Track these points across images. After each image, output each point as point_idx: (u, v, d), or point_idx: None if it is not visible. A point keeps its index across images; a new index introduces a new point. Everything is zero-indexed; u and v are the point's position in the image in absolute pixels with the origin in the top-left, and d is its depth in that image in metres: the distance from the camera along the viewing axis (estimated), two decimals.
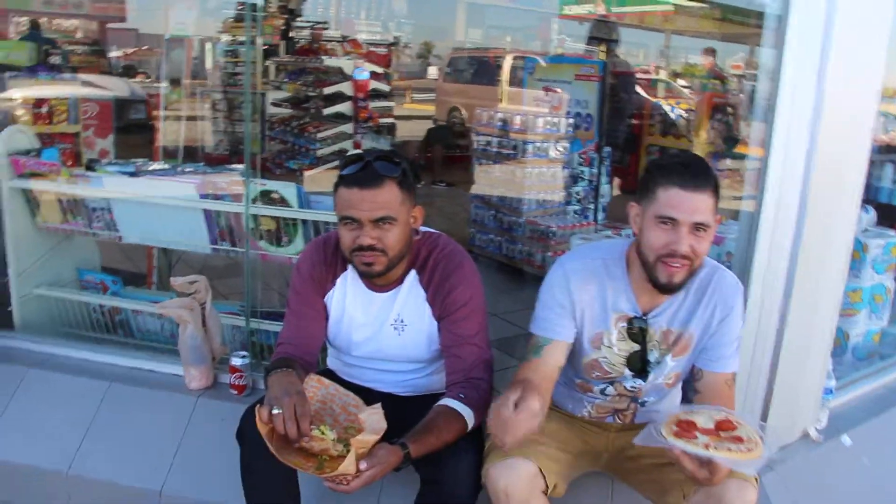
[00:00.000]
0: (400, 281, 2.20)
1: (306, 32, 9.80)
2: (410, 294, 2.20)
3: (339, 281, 2.24)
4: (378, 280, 2.18)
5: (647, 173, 1.95)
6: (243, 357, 2.80)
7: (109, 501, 2.71)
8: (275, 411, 1.85)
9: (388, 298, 2.21)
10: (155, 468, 2.69)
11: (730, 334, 2.07)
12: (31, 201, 3.29)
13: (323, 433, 1.87)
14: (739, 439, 1.77)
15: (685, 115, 8.47)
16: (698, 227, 1.88)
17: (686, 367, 2.15)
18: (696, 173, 1.86)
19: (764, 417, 2.63)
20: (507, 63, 10.64)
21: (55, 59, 7.17)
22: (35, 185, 3.21)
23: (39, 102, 6.36)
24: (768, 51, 2.47)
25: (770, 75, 2.46)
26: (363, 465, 1.79)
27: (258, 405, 1.90)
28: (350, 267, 2.19)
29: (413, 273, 2.20)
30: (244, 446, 2.11)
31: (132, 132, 7.80)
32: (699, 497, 1.90)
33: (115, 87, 9.34)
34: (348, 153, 2.21)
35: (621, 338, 2.10)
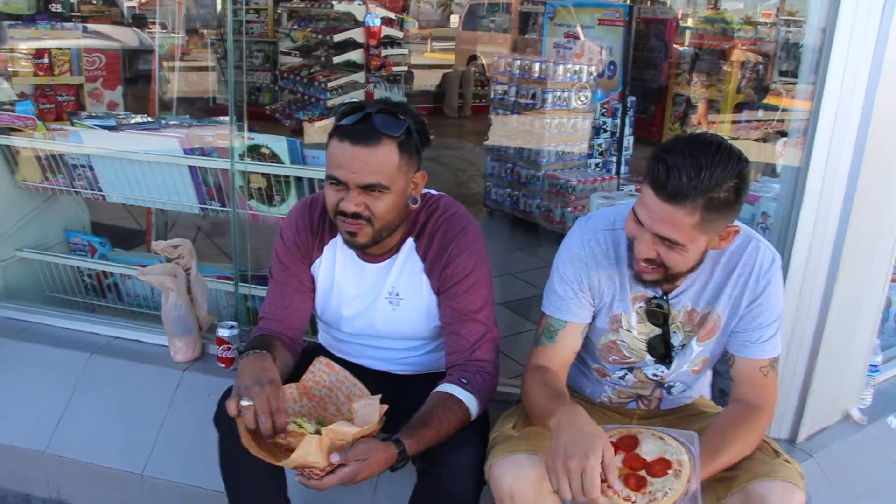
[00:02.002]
0: (396, 250, 1.95)
1: None
2: (407, 264, 1.95)
3: (326, 249, 1.99)
4: (370, 249, 1.92)
5: (655, 150, 1.63)
6: (231, 328, 2.58)
7: (89, 483, 2.53)
8: (244, 403, 1.62)
9: (382, 269, 1.96)
10: (137, 448, 2.50)
11: (764, 315, 1.79)
12: (10, 159, 3.06)
13: (301, 426, 1.63)
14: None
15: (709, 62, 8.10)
16: (664, 239, 1.60)
17: (715, 350, 1.89)
18: (678, 183, 1.52)
19: (804, 395, 2.39)
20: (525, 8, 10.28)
21: (56, 8, 6.91)
22: (9, 140, 2.97)
23: (40, 53, 6.17)
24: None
25: (822, 23, 2.18)
26: (335, 458, 1.56)
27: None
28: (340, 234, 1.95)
29: (410, 241, 1.94)
30: (222, 432, 1.89)
31: (143, 83, 7.61)
32: (737, 501, 1.66)
33: (124, 38, 9.09)
34: (347, 102, 1.90)
35: (640, 320, 1.85)
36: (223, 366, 2.62)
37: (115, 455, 2.51)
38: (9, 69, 6.07)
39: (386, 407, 1.70)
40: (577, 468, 1.47)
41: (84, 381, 2.67)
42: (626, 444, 1.62)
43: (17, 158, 3.05)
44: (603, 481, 1.48)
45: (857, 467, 2.43)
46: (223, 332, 2.58)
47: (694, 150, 1.54)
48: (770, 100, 7.42)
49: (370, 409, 1.70)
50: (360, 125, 1.73)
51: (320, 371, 1.87)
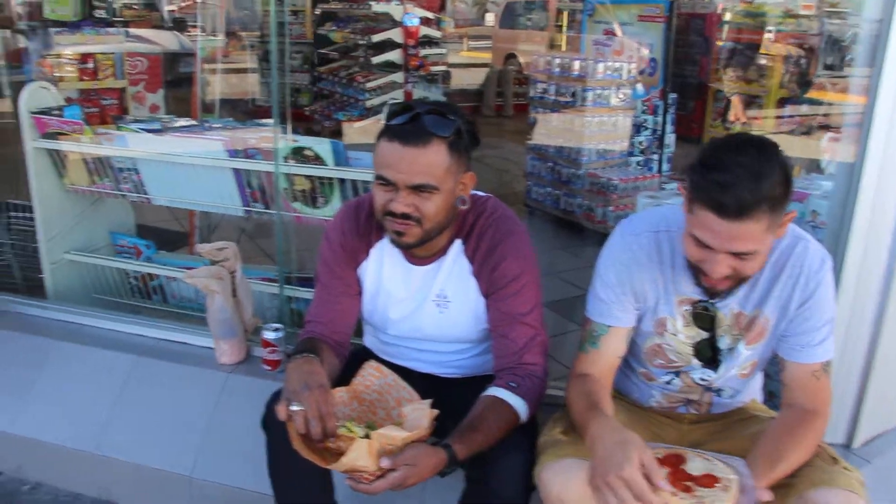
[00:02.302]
0: (443, 252, 1.93)
1: None
2: (455, 266, 1.92)
3: (373, 251, 1.98)
4: (417, 251, 1.90)
5: (693, 168, 1.57)
6: (276, 330, 2.58)
7: (138, 484, 2.56)
8: (293, 408, 1.61)
9: (430, 271, 1.94)
10: (184, 450, 2.52)
11: (814, 319, 1.73)
12: (58, 163, 3.11)
13: (351, 430, 1.62)
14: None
15: (752, 57, 7.94)
16: (737, 254, 1.56)
17: (765, 354, 1.83)
18: (741, 199, 1.47)
19: (860, 399, 2.32)
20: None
21: (100, 14, 7.03)
22: (57, 145, 3.02)
23: (85, 58, 6.28)
24: None
25: (878, 14, 2.10)
26: (385, 463, 1.55)
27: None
28: (387, 235, 1.93)
29: (458, 243, 1.92)
30: (270, 435, 1.89)
31: (184, 86, 7.72)
32: None
33: (165, 41, 9.23)
34: (396, 101, 1.89)
35: (686, 323, 1.80)
36: (268, 368, 2.63)
37: (162, 456, 2.53)
38: (55, 74, 6.18)
39: (436, 412, 1.68)
40: (616, 481, 1.45)
41: (131, 383, 2.70)
42: (672, 461, 1.60)
43: (66, 163, 3.09)
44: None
45: None
46: (268, 335, 2.58)
47: (740, 159, 1.49)
48: (813, 94, 7.26)
49: (420, 413, 1.69)
50: (409, 125, 1.72)
51: (370, 375, 1.86)
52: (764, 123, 7.21)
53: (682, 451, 1.62)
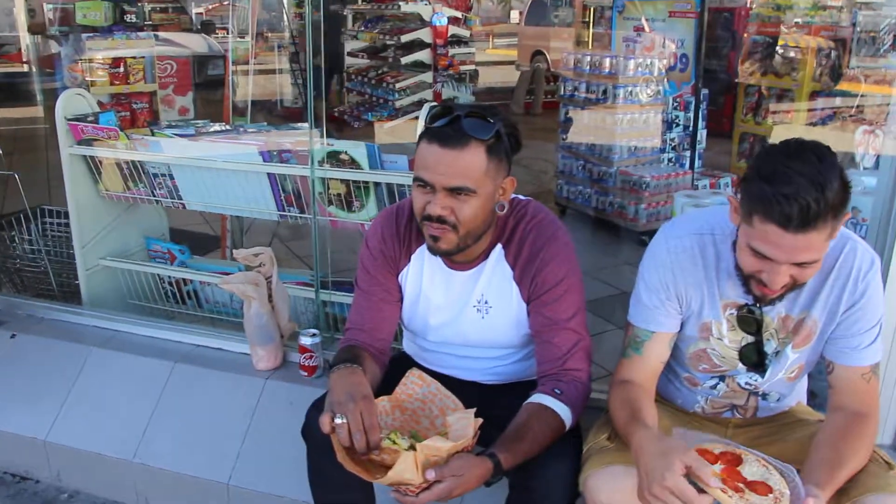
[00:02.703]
0: (484, 257, 1.89)
1: None
2: (496, 272, 1.89)
3: (414, 257, 1.95)
4: (458, 256, 1.87)
5: (749, 179, 1.52)
6: (313, 335, 2.56)
7: (176, 492, 2.55)
8: (337, 420, 1.59)
9: (471, 277, 1.91)
10: (222, 457, 2.50)
11: (863, 320, 1.69)
12: (94, 169, 3.11)
13: (395, 442, 1.59)
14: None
15: (781, 51, 7.81)
16: (801, 263, 1.52)
17: (811, 357, 1.79)
18: (808, 211, 1.43)
19: None
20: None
21: (131, 18, 7.08)
22: (92, 151, 3.02)
23: (116, 62, 6.33)
24: None
25: None
26: (431, 475, 1.52)
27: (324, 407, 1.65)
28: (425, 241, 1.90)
29: (499, 248, 1.89)
30: (311, 445, 1.87)
31: (212, 88, 7.79)
32: None
33: (193, 44, 9.29)
34: (435, 104, 1.86)
35: (732, 328, 1.76)
36: (305, 374, 2.61)
37: (200, 464, 2.52)
38: (87, 79, 6.23)
39: (480, 421, 1.65)
40: (661, 491, 1.43)
41: (169, 390, 2.70)
42: (730, 460, 1.55)
43: (101, 169, 3.09)
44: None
45: None
46: (305, 341, 2.57)
47: (801, 168, 1.44)
48: (845, 86, 7.14)
49: (464, 422, 1.65)
50: (448, 127, 1.70)
51: (413, 384, 1.83)
52: (796, 117, 7.08)
53: (742, 450, 1.58)
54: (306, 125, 2.78)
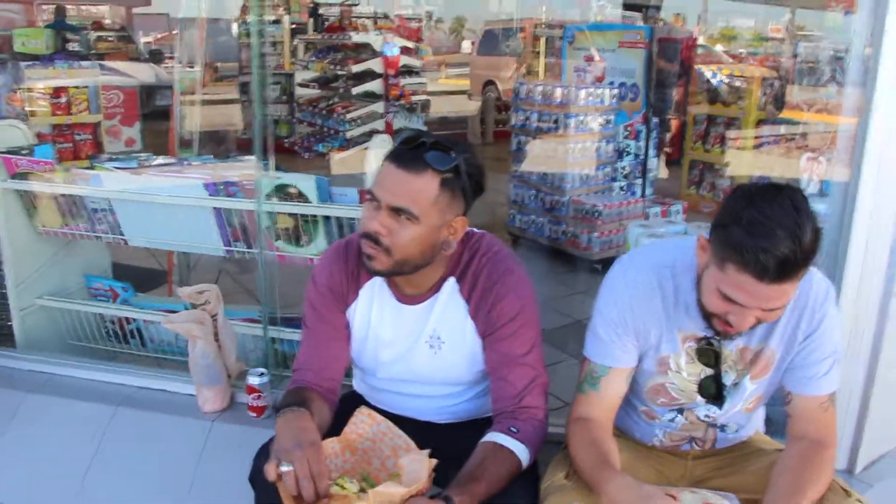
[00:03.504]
0: (436, 290, 1.84)
1: (336, 10, 9.46)
2: (449, 306, 1.83)
3: (362, 291, 1.88)
4: (407, 289, 1.83)
5: (724, 226, 1.50)
6: (261, 375, 2.48)
7: None
8: (283, 468, 1.51)
9: (422, 311, 1.85)
10: None
11: (820, 350, 1.69)
12: (29, 204, 2.99)
13: (343, 487, 1.53)
14: None
15: (727, 80, 8.00)
16: (772, 310, 1.52)
17: (769, 387, 1.78)
18: (784, 263, 1.42)
19: (860, 425, 2.29)
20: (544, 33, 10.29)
21: (74, 47, 6.94)
22: (27, 185, 2.90)
23: (58, 92, 6.18)
24: (866, 11, 2.13)
25: (867, 38, 2.12)
26: None
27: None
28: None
29: (452, 281, 1.83)
30: (259, 492, 1.78)
31: (160, 118, 7.66)
32: None
33: (141, 74, 9.14)
34: (413, 129, 1.84)
35: (690, 360, 1.74)
36: (254, 415, 2.52)
37: None
38: (26, 109, 6.07)
39: (435, 462, 1.59)
40: None
41: (110, 435, 2.57)
42: None
43: (36, 204, 2.97)
44: None
45: None
46: (253, 381, 2.48)
47: (779, 218, 1.43)
48: (787, 114, 7.33)
49: (418, 465, 1.59)
50: (409, 151, 1.68)
51: (362, 423, 1.76)
52: (743, 143, 7.24)
53: (673, 490, 1.57)
54: (253, 157, 2.71)
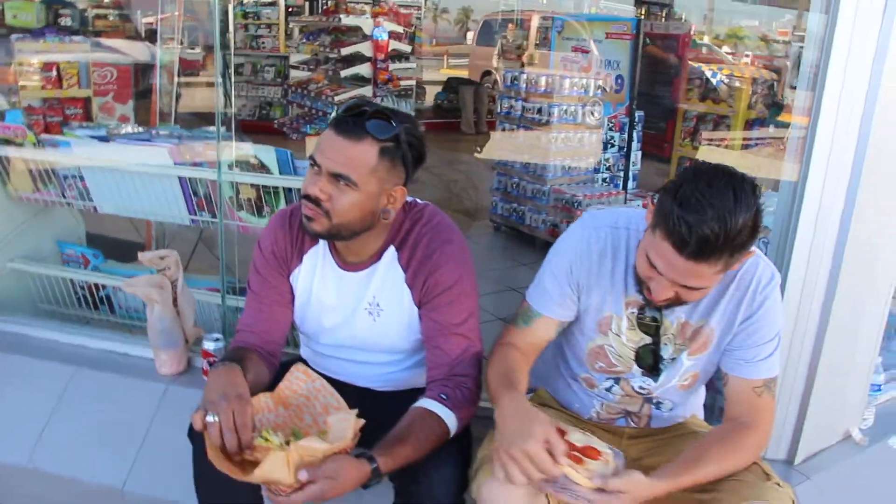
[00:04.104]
0: (376, 258, 1.89)
1: None
2: (388, 274, 1.89)
3: (306, 257, 1.94)
4: (348, 256, 1.89)
5: (664, 193, 1.54)
6: (216, 340, 2.54)
7: (71, 498, 2.49)
8: (209, 419, 1.57)
9: (363, 278, 1.91)
10: (118, 462, 2.45)
11: (759, 333, 1.72)
12: (2, 169, 3.05)
13: (267, 440, 1.58)
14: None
15: (727, 80, 8.01)
16: (689, 288, 1.57)
17: (706, 367, 1.82)
18: (704, 243, 1.46)
19: (802, 415, 2.32)
20: (534, 23, 10.28)
21: (66, 21, 6.94)
22: None
23: (48, 66, 6.19)
24: (817, 16, 2.16)
25: (818, 42, 2.15)
26: (303, 476, 1.50)
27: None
28: (321, 241, 1.90)
29: (392, 250, 1.89)
30: (197, 447, 1.84)
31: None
32: None
33: (136, 52, 9.13)
34: (355, 100, 1.88)
35: (631, 326, 1.79)
36: (206, 383, 2.57)
37: (96, 469, 2.46)
38: (18, 83, 6.09)
39: (361, 422, 1.63)
40: (520, 454, 1.47)
41: (69, 395, 2.64)
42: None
43: (9, 169, 3.03)
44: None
45: (858, 490, 2.35)
46: (208, 345, 2.54)
47: (714, 201, 1.46)
48: (784, 117, 7.34)
49: (345, 423, 1.63)
50: (350, 119, 1.73)
51: (297, 379, 1.80)
52: (731, 144, 7.26)
53: (563, 425, 1.62)
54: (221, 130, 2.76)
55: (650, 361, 1.80)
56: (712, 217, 1.45)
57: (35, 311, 3.22)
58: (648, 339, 1.79)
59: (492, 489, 1.62)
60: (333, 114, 1.85)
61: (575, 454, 1.52)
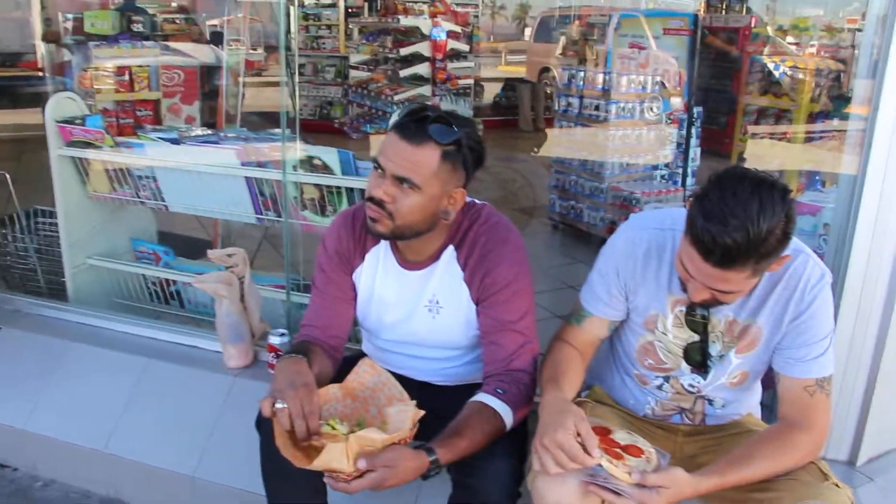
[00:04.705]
0: (436, 257, 1.96)
1: None
2: (447, 273, 1.96)
3: (368, 256, 2.02)
4: (409, 255, 1.96)
5: (695, 200, 1.56)
6: (282, 335, 2.63)
7: (143, 482, 2.63)
8: (278, 405, 1.66)
9: (423, 277, 1.98)
10: (188, 451, 2.58)
11: (809, 332, 1.72)
12: (82, 170, 3.21)
13: (334, 428, 1.66)
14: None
15: (790, 72, 7.84)
16: (722, 291, 1.60)
17: (756, 366, 1.84)
18: (726, 252, 1.49)
19: (863, 415, 2.29)
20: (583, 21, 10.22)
21: (138, 27, 7.20)
22: (79, 152, 3.12)
23: (121, 70, 6.42)
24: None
25: (880, 24, 2.10)
26: (361, 464, 1.57)
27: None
28: (383, 240, 1.97)
29: (451, 249, 1.95)
30: (264, 437, 1.93)
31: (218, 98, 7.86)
32: None
33: (201, 54, 9.40)
34: (417, 104, 1.95)
35: (678, 324, 1.82)
36: (273, 372, 2.67)
37: (167, 456, 2.59)
38: (94, 86, 6.34)
39: (420, 413, 1.69)
40: (551, 444, 1.54)
41: (142, 384, 2.77)
42: (600, 432, 1.66)
43: (88, 171, 3.19)
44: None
45: None
46: (274, 340, 2.63)
47: (738, 210, 1.48)
48: (851, 109, 7.16)
49: (404, 415, 1.70)
50: (412, 123, 1.79)
51: (364, 372, 1.88)
52: (793, 137, 7.12)
53: (608, 424, 1.69)
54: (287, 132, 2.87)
55: (698, 359, 1.83)
56: (734, 227, 1.47)
57: (110, 305, 3.38)
58: (696, 337, 1.81)
59: (546, 482, 1.64)
60: (394, 115, 1.91)
61: (616, 450, 1.58)
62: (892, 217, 2.15)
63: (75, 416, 2.76)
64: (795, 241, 1.70)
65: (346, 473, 1.59)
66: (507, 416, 1.79)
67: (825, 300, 1.73)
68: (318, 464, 1.57)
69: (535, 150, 5.95)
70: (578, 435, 1.54)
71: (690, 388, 1.88)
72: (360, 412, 1.84)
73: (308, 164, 2.74)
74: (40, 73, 8.40)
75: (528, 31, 21.47)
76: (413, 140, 1.77)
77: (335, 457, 1.56)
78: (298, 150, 2.75)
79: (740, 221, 1.47)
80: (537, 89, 11.03)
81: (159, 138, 3.06)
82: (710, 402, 1.91)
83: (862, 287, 2.21)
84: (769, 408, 2.18)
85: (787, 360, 1.75)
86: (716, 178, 1.56)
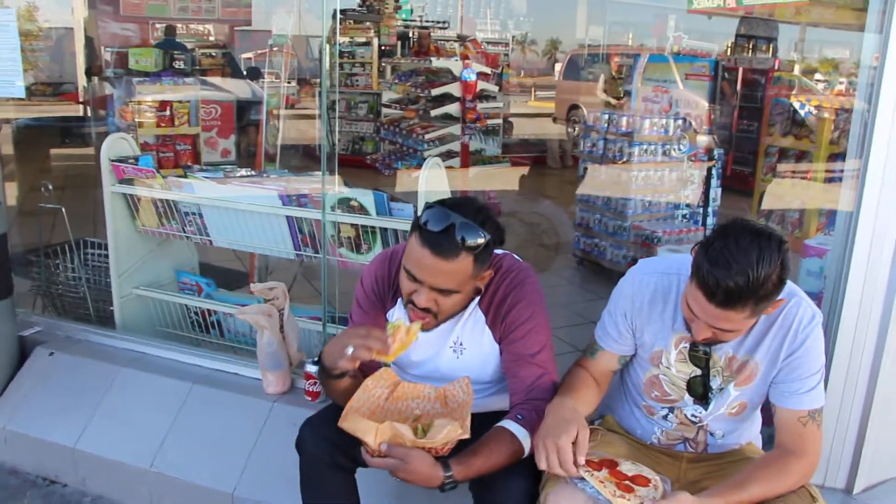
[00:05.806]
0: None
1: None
2: (471, 318, 2.13)
3: (400, 300, 2.18)
4: None
5: (700, 248, 1.76)
6: (318, 363, 2.80)
7: (186, 499, 2.80)
8: (349, 351, 1.89)
9: (449, 324, 2.14)
10: (229, 470, 2.75)
11: (802, 368, 1.90)
12: (132, 206, 3.43)
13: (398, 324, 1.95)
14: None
15: (815, 112, 7.94)
16: (723, 330, 1.79)
17: (753, 397, 2.00)
18: (729, 294, 1.69)
19: (859, 443, 2.43)
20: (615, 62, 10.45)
21: (179, 65, 7.47)
22: (132, 189, 3.35)
23: (163, 105, 6.67)
24: (871, 36, 2.27)
25: (872, 65, 2.26)
26: (383, 447, 1.78)
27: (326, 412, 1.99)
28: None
29: (475, 300, 2.13)
30: (304, 457, 2.10)
31: (253, 131, 8.07)
32: None
33: (237, 89, 9.70)
34: (432, 202, 2.07)
35: (681, 359, 1.99)
36: (310, 399, 2.86)
37: (209, 475, 2.77)
38: (136, 120, 6.60)
39: (459, 436, 1.82)
40: (552, 445, 1.77)
41: (186, 408, 2.97)
42: (608, 464, 1.84)
43: (138, 206, 3.41)
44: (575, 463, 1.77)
45: None
46: (311, 368, 2.81)
47: (739, 257, 1.67)
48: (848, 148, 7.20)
49: (443, 430, 1.84)
50: (441, 237, 1.89)
51: (460, 388, 2.02)
52: (814, 176, 7.20)
53: (614, 457, 1.86)
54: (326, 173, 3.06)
55: (700, 391, 2.00)
56: (737, 272, 1.67)
57: (154, 332, 3.59)
58: (699, 371, 1.99)
59: (557, 497, 1.82)
60: (419, 212, 2.01)
61: (626, 483, 1.75)
62: (884, 250, 2.30)
63: (123, 436, 2.95)
64: (790, 285, 1.89)
65: (370, 449, 1.79)
66: (525, 440, 1.94)
67: (816, 339, 1.90)
68: (348, 426, 1.79)
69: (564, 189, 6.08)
70: (575, 442, 1.76)
71: (693, 418, 2.04)
72: (440, 416, 1.99)
73: (345, 204, 2.94)
74: (83, 114, 8.68)
75: (558, 66, 21.75)
76: (447, 256, 1.89)
77: (364, 429, 1.77)
78: (337, 188, 2.94)
79: (742, 267, 1.67)
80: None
81: (206, 177, 3.27)
82: (711, 434, 2.08)
83: (857, 316, 2.35)
84: (770, 439, 2.31)
85: (781, 392, 1.92)
86: (720, 228, 1.76)
